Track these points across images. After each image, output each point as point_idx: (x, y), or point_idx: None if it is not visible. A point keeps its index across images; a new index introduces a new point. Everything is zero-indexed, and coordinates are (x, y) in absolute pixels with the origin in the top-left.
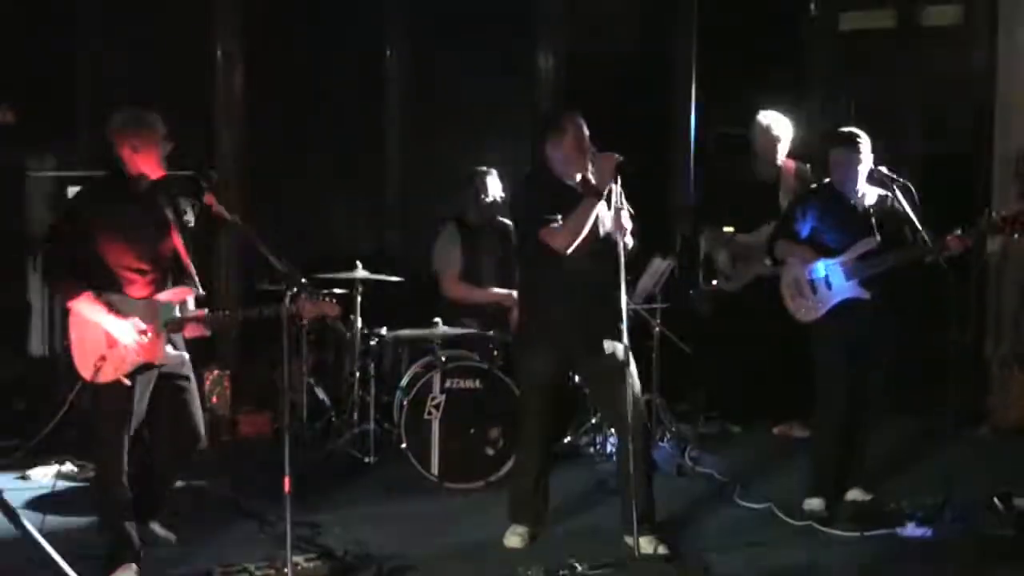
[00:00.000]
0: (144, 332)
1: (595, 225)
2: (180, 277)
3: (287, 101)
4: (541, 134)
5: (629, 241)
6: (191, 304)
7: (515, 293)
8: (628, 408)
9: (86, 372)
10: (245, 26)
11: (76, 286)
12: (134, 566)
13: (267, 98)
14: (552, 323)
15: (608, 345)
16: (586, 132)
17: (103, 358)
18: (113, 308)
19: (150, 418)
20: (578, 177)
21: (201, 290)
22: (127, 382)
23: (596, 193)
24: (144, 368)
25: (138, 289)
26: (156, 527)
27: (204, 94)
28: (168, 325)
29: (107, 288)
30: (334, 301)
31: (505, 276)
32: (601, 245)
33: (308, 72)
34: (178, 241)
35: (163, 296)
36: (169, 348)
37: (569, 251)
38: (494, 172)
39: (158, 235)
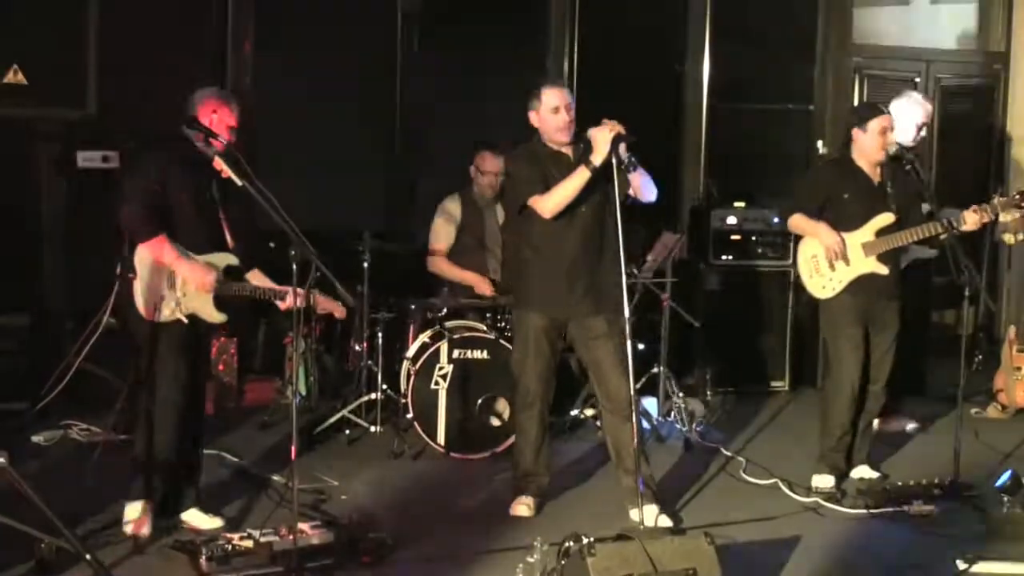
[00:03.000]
0: (209, 277)
1: (586, 194)
2: (222, 245)
3: (294, 67)
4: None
5: (651, 197)
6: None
7: (485, 282)
8: (616, 379)
9: (146, 311)
10: None
11: (157, 228)
12: (147, 505)
13: (275, 64)
14: (542, 285)
15: (596, 312)
16: (567, 100)
17: (161, 298)
18: (183, 253)
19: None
20: (565, 146)
21: (237, 260)
22: (184, 320)
23: (588, 164)
24: (195, 321)
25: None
26: (198, 515)
27: (211, 54)
28: (219, 285)
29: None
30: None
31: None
32: (591, 213)
33: (316, 42)
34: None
35: (213, 258)
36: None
37: (552, 216)
38: (494, 149)
39: (212, 204)
